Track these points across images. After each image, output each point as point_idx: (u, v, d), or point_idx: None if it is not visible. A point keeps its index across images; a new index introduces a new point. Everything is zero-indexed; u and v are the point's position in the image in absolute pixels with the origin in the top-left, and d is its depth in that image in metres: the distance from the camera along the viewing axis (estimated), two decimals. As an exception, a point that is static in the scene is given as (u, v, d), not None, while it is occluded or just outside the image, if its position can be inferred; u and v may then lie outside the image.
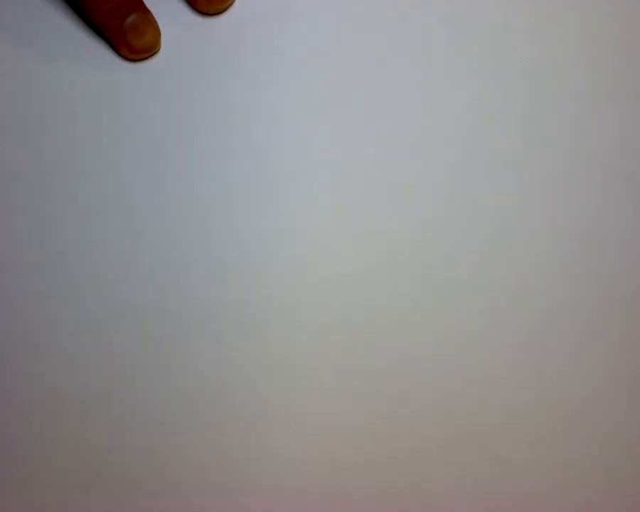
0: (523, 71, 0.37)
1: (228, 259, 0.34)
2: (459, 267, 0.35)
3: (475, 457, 0.33)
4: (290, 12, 0.38)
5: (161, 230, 0.35)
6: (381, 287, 0.34)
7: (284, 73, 0.37)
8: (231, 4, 0.37)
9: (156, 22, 0.37)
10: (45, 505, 0.33)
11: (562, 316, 0.34)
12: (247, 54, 0.37)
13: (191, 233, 0.35)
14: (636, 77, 0.36)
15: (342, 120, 0.36)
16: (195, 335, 0.34)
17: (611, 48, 0.37)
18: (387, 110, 0.36)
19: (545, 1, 0.38)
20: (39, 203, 0.34)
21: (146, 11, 0.37)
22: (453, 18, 0.38)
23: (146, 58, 0.37)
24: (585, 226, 0.35)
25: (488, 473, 0.33)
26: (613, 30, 0.37)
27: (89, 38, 0.37)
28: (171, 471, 0.33)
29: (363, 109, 0.36)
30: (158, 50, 0.37)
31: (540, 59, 0.37)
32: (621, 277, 0.35)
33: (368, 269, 0.34)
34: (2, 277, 0.34)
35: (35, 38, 0.37)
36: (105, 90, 0.36)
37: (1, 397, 0.34)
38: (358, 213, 0.35)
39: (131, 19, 0.36)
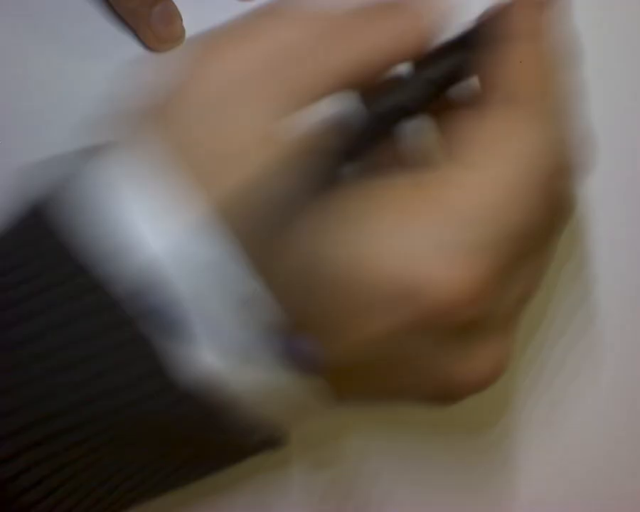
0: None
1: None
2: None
3: (475, 456, 0.33)
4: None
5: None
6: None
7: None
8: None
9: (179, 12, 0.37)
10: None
11: (562, 315, 0.34)
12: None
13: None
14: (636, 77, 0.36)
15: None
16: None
17: (612, 47, 0.36)
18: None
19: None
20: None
21: (171, 1, 0.36)
22: (454, 16, 0.37)
23: (172, 48, 0.36)
24: (585, 225, 0.35)
25: (488, 471, 0.33)
26: (613, 29, 0.37)
27: (113, 26, 0.37)
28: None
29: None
30: (183, 41, 0.37)
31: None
32: (622, 276, 0.35)
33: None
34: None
35: (57, 26, 0.37)
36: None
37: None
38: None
39: (159, 7, 0.36)
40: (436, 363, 0.23)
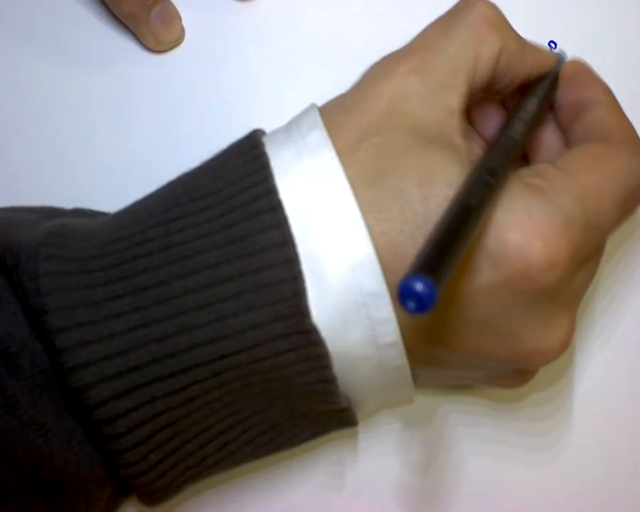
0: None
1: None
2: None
3: (474, 456, 0.33)
4: (303, 10, 0.38)
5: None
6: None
7: (295, 70, 0.37)
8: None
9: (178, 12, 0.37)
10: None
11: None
12: (258, 49, 0.37)
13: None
14: (636, 77, 0.36)
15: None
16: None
17: (611, 46, 0.36)
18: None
19: (546, 1, 0.37)
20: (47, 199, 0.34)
21: (170, 1, 0.37)
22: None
23: (171, 49, 0.37)
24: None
25: (486, 472, 0.33)
26: (612, 29, 0.37)
27: (111, 28, 0.37)
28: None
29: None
30: (182, 40, 0.37)
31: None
32: (622, 275, 0.35)
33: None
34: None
35: (55, 29, 0.37)
36: (127, 82, 0.36)
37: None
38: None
39: (157, 9, 0.36)
40: (514, 327, 0.26)
